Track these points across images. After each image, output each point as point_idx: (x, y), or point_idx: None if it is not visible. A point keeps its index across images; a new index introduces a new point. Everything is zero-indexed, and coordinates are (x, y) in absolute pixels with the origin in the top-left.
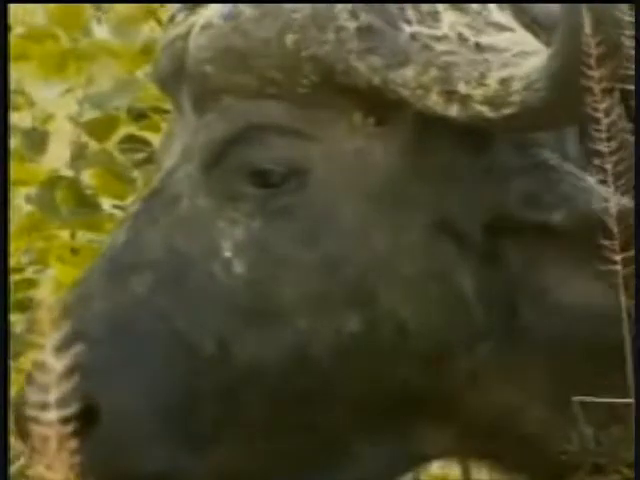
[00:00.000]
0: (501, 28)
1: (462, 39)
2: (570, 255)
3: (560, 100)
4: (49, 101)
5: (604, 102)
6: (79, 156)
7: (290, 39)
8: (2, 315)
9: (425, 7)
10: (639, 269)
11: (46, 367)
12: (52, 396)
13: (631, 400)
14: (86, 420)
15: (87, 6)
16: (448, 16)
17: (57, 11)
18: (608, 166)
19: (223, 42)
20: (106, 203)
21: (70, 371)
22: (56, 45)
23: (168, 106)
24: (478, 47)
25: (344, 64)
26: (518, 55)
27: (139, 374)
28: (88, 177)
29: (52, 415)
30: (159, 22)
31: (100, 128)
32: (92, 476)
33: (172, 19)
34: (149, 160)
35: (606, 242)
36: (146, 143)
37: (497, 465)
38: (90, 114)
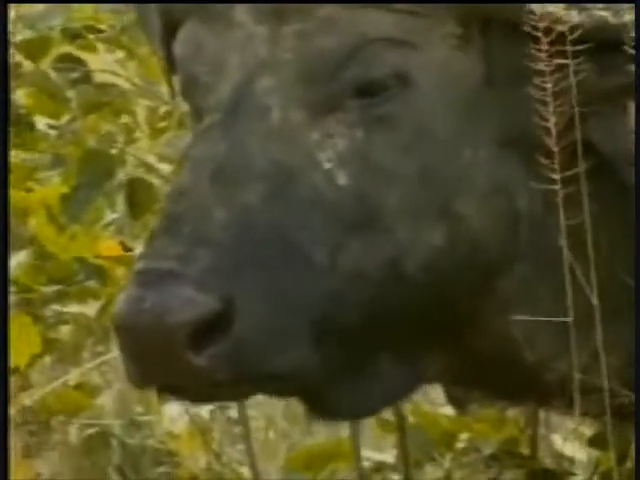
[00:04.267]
0: None
1: None
2: None
3: None
4: None
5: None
6: (13, 76)
7: None
8: (2, 315)
9: None
10: (639, 269)
11: None
12: None
13: (570, 319)
14: (224, 319)
15: None
16: None
17: None
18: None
19: None
20: (40, 122)
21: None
22: None
23: (103, 26)
24: None
25: None
26: None
27: (266, 278)
28: (22, 97)
29: None
30: None
31: (34, 48)
32: (229, 374)
33: None
34: (84, 79)
35: (545, 161)
36: (80, 62)
37: (486, 393)
38: (24, 34)
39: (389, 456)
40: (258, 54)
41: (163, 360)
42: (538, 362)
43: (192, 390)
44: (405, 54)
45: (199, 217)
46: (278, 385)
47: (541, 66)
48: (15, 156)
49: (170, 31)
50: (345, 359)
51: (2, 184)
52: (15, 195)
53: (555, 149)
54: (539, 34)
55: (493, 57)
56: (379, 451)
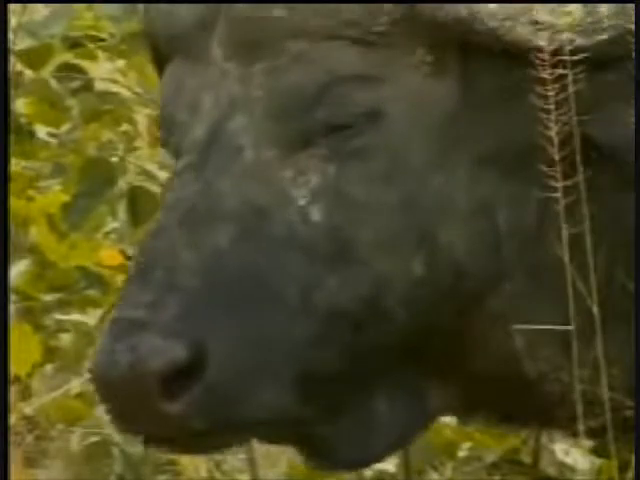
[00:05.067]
0: None
1: None
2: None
3: None
4: None
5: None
6: (14, 85)
7: None
8: (2, 314)
9: None
10: (639, 268)
11: None
12: None
13: (571, 327)
14: (196, 366)
15: None
16: None
17: None
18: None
19: None
20: (41, 131)
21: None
22: None
23: (104, 34)
24: None
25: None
26: None
27: (238, 321)
28: (23, 105)
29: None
30: None
31: (35, 56)
32: (205, 421)
33: None
34: (84, 88)
35: (547, 169)
36: (81, 71)
37: (490, 415)
38: (25, 43)
39: (390, 465)
40: (231, 92)
41: (139, 411)
42: (540, 376)
43: (178, 441)
44: (375, 89)
45: (169, 262)
46: (261, 431)
47: (543, 74)
48: (16, 164)
49: (159, 67)
50: (334, 402)
51: (2, 193)
52: (16, 204)
53: (557, 157)
54: (542, 43)
55: (471, 80)
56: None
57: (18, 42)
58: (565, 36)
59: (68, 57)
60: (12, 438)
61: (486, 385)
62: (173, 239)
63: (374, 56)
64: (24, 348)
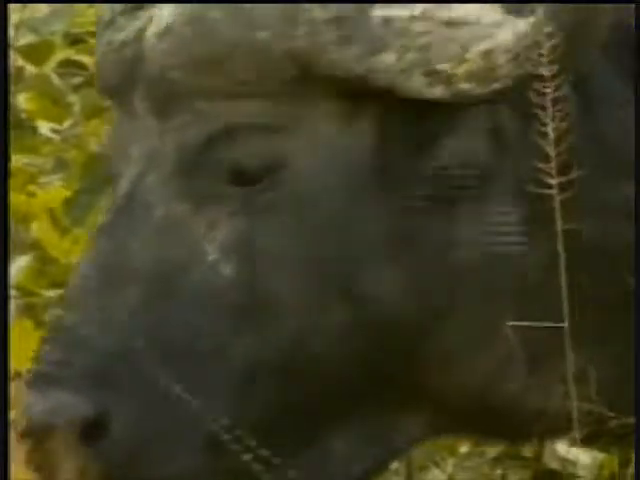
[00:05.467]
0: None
1: (434, 17)
2: None
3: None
4: None
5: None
6: (15, 80)
7: (260, 37)
8: (2, 314)
9: None
10: (639, 268)
11: None
12: None
13: (565, 324)
14: (100, 424)
15: None
16: None
17: None
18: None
19: (189, 48)
20: (43, 127)
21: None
22: None
23: None
24: (452, 23)
25: (323, 57)
26: (492, 26)
27: (143, 383)
28: (24, 101)
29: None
30: None
31: (36, 52)
32: (108, 476)
33: (110, 23)
34: (86, 84)
35: (542, 165)
36: (83, 67)
37: (471, 435)
38: (26, 39)
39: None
40: (151, 147)
41: (51, 462)
42: (507, 400)
43: None
44: (278, 140)
45: (79, 321)
46: None
47: (543, 71)
48: (17, 160)
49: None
50: (279, 450)
51: (2, 188)
52: (17, 199)
53: (552, 154)
54: (542, 39)
55: (386, 128)
56: None
57: (20, 38)
58: (461, 85)
59: (70, 53)
60: (13, 434)
61: (456, 413)
62: (84, 299)
63: (278, 108)
64: (25, 344)
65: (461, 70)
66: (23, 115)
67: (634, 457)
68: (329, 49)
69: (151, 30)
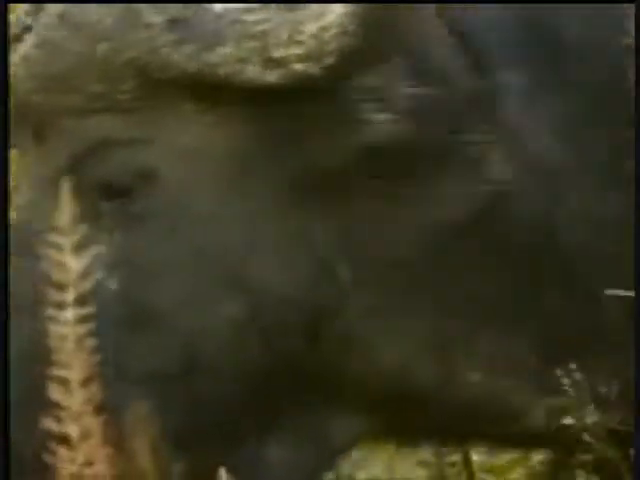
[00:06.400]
0: None
1: (271, 4)
2: None
3: (374, 41)
4: None
5: None
6: None
7: (101, 48)
8: (2, 313)
9: None
10: (639, 268)
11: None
12: (70, 295)
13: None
14: None
15: None
16: None
17: None
18: None
19: (41, 68)
20: None
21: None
22: None
23: None
24: (289, 8)
25: (158, 60)
26: (324, 6)
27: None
28: None
29: (69, 314)
30: None
31: None
32: None
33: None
34: None
35: None
36: None
37: (428, 439)
38: None
39: None
40: (32, 174)
41: None
42: (436, 384)
43: None
44: (143, 151)
45: None
46: None
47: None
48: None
49: None
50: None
51: (2, 185)
52: None
53: None
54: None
55: (258, 121)
56: None
57: None
58: (295, 67)
59: None
60: None
61: (393, 406)
62: None
63: (135, 119)
64: None
65: (294, 52)
66: None
67: (634, 457)
68: (163, 52)
69: (13, 61)
